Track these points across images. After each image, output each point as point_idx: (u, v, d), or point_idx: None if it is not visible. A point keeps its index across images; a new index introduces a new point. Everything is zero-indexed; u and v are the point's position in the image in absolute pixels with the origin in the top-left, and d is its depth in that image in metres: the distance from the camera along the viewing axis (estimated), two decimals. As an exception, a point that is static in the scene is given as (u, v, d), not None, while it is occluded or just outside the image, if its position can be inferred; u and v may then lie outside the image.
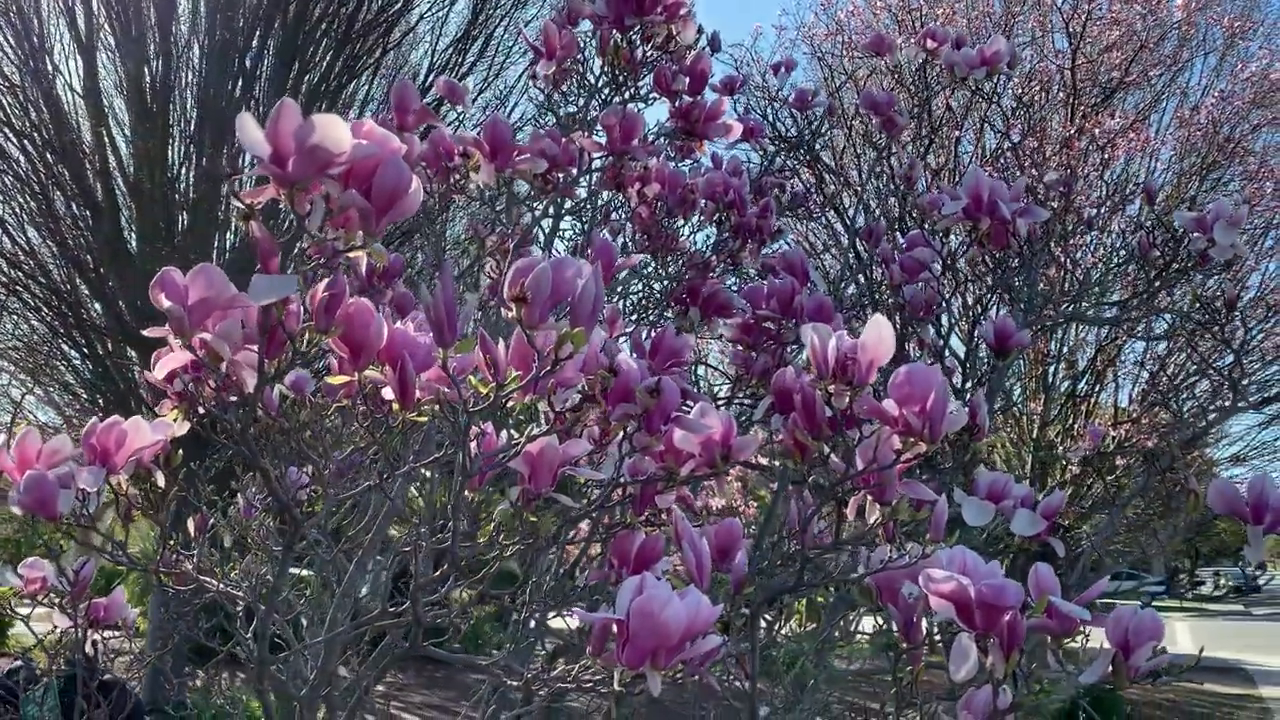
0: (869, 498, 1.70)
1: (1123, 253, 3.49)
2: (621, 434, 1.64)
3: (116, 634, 2.56)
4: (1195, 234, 2.86)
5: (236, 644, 2.24)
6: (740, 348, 2.65)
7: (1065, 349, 9.35)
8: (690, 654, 1.24)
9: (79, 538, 1.85)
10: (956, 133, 7.67)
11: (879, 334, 1.53)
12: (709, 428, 1.66)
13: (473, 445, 1.39)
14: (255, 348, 1.51)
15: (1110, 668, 1.49)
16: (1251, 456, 11.86)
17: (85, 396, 10.94)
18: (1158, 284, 2.87)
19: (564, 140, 2.56)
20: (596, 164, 2.81)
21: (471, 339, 1.28)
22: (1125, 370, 10.65)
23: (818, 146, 4.13)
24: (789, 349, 2.63)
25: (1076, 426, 9.07)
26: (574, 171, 2.64)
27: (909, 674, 1.83)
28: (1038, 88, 8.43)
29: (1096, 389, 9.85)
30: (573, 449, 1.49)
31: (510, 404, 1.34)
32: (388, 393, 1.55)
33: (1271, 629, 25.23)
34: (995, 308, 3.27)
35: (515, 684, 1.39)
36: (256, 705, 8.01)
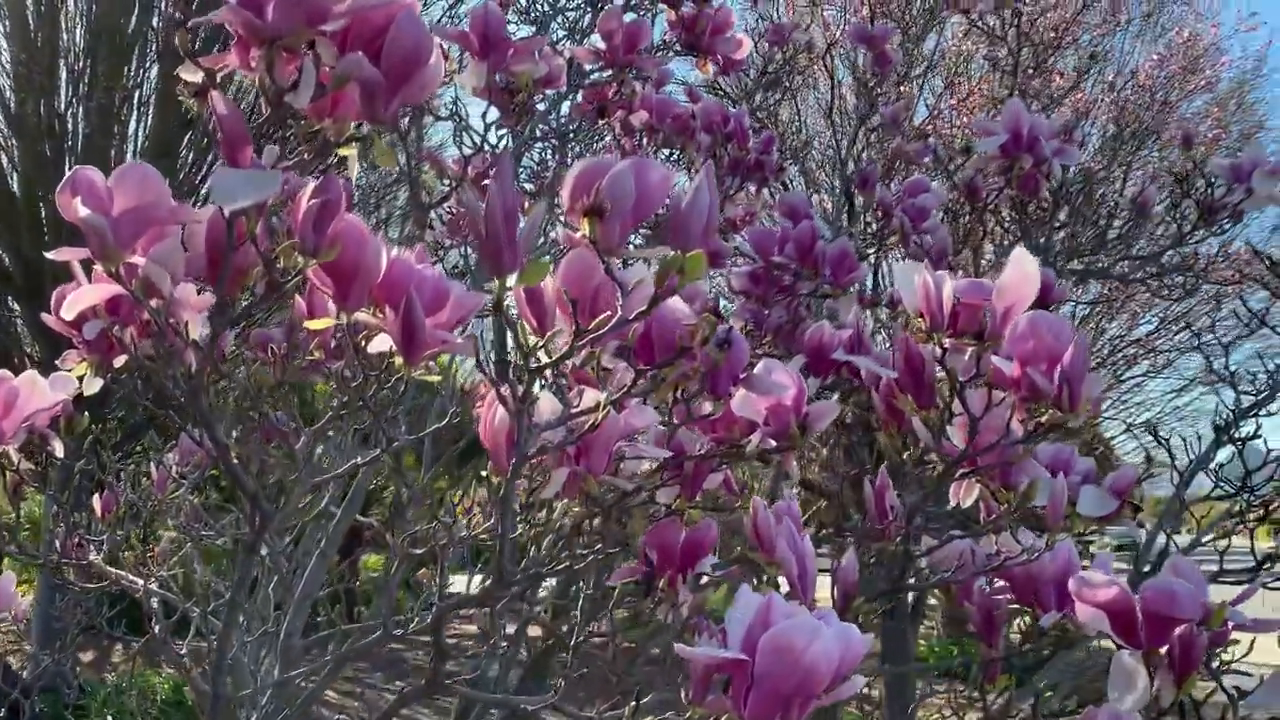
0: (975, 480, 1.39)
1: (1126, 207, 3.25)
2: (672, 398, 1.29)
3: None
4: (1233, 183, 2.62)
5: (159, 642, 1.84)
6: (748, 300, 2.32)
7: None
8: (830, 700, 0.91)
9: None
10: (901, 86, 7.41)
11: (1022, 273, 1.20)
12: (785, 388, 1.32)
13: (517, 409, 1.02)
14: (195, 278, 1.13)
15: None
16: (1167, 420, 12.05)
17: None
18: (1192, 234, 2.63)
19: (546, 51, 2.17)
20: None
21: (544, 263, 0.91)
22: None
23: (794, 85, 3.80)
24: (804, 302, 2.30)
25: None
26: (558, 90, 2.26)
27: (991, 690, 1.54)
28: (985, 42, 8.24)
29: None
30: (635, 419, 1.13)
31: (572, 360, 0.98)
32: (378, 344, 1.18)
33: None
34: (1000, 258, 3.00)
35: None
36: (155, 680, 7.48)
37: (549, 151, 2.78)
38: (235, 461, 1.07)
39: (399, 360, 1.11)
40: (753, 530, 1.25)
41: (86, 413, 1.54)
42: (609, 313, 0.92)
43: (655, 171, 0.97)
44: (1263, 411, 2.17)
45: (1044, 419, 1.25)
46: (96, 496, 2.08)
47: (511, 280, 0.89)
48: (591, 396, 1.06)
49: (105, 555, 1.83)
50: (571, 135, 2.50)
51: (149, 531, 2.12)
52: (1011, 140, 2.37)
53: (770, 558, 1.24)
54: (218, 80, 0.94)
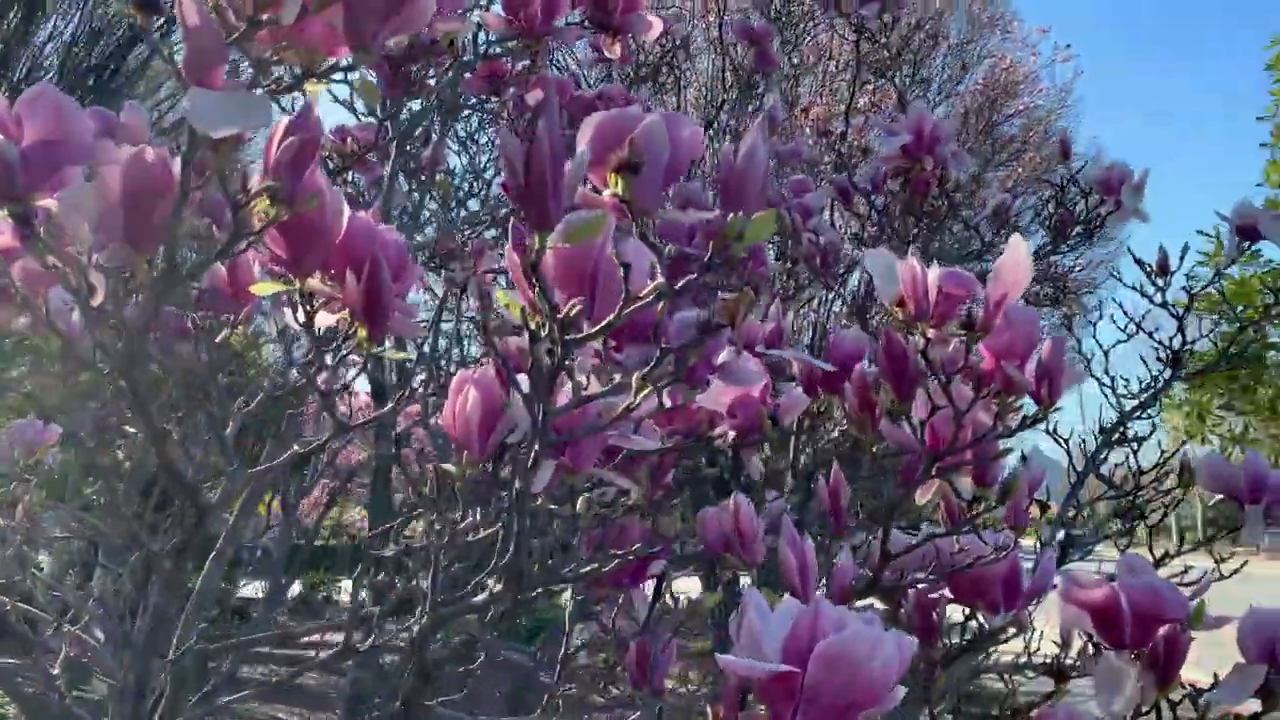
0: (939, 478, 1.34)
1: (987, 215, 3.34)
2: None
3: None
4: (1103, 195, 2.72)
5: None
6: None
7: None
8: (875, 712, 0.83)
9: None
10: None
11: (1018, 259, 1.16)
12: (758, 379, 1.24)
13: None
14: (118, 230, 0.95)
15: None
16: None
17: None
18: (1059, 244, 2.72)
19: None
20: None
21: (599, 217, 0.79)
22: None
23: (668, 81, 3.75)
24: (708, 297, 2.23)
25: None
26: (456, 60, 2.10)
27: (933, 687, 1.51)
28: (825, 59, 8.50)
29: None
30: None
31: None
32: (323, 317, 1.03)
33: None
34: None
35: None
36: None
37: (429, 129, 2.61)
38: (169, 451, 0.90)
39: (362, 333, 0.96)
40: (733, 527, 1.16)
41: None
42: (659, 280, 0.82)
43: (685, 126, 0.87)
44: (1144, 414, 2.25)
45: (1027, 413, 1.22)
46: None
47: (552, 237, 0.77)
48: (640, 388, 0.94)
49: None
50: (465, 112, 2.35)
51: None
52: (914, 141, 2.37)
53: (750, 557, 1.16)
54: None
